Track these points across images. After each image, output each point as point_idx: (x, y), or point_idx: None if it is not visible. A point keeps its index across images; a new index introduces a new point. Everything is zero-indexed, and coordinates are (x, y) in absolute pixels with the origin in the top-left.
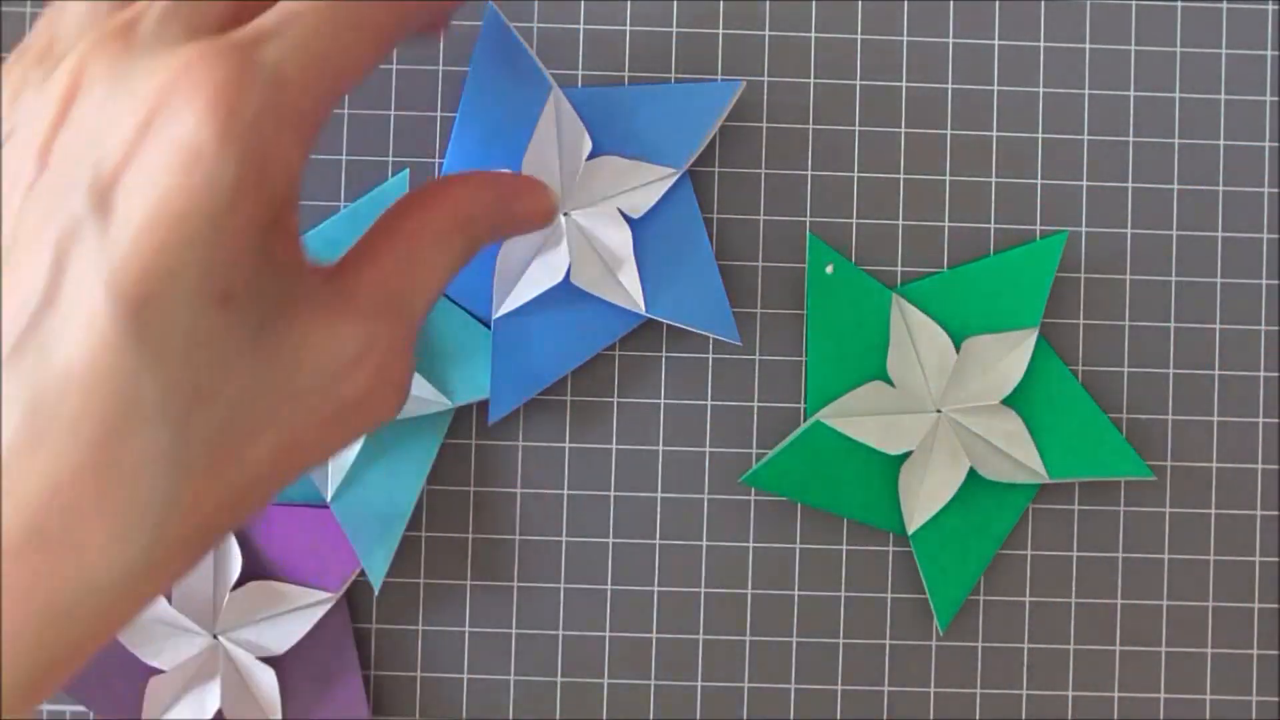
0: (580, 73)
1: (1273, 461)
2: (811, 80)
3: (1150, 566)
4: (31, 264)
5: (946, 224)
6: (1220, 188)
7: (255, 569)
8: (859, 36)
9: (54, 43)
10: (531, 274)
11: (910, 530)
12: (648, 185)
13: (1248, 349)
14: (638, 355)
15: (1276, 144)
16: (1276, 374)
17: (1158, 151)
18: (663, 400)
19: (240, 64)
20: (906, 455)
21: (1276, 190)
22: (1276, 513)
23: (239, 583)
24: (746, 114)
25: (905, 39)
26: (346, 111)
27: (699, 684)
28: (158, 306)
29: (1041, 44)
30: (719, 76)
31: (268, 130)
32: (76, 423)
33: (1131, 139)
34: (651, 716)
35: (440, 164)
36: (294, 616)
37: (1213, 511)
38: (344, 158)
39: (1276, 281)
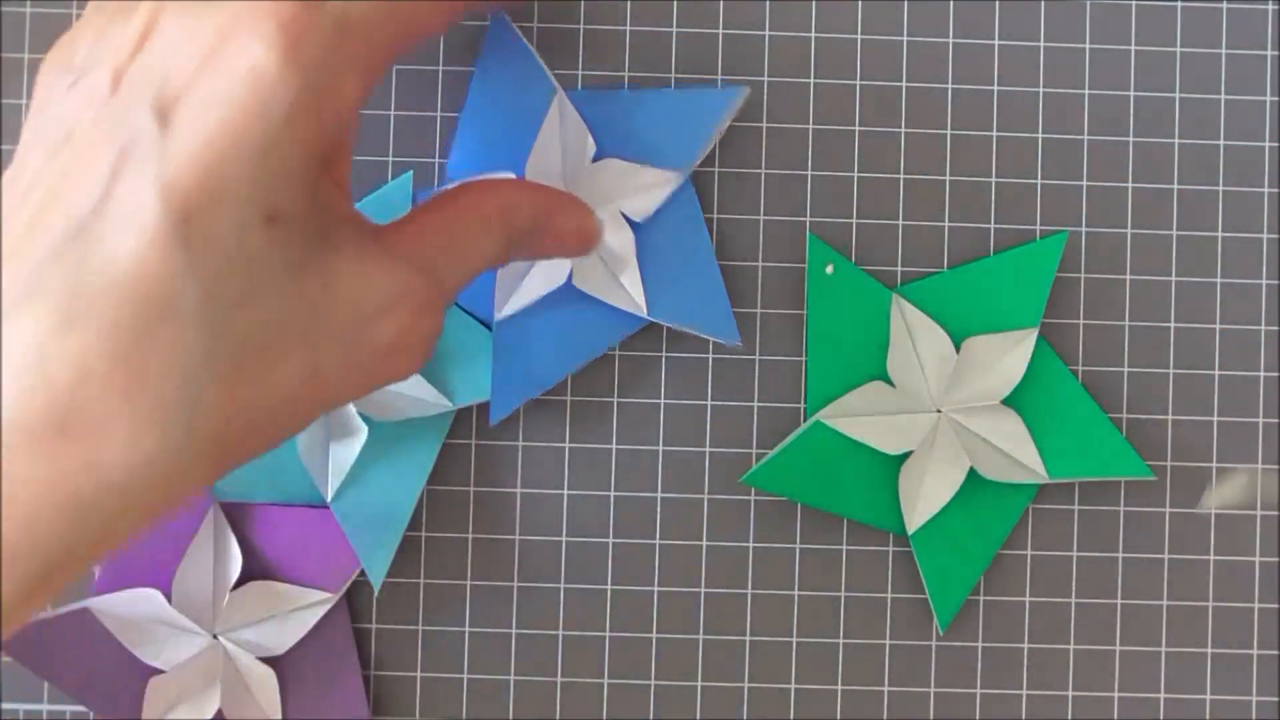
0: (580, 73)
1: (1273, 461)
2: (811, 80)
3: (1150, 566)
4: (91, 169)
5: (946, 224)
6: (1220, 188)
7: (255, 569)
8: (859, 36)
9: None
10: (534, 276)
11: (910, 530)
12: (651, 189)
13: (1248, 349)
14: (638, 355)
15: (1276, 144)
16: (1276, 374)
17: (1158, 151)
18: (663, 400)
19: (308, 3)
20: (906, 455)
21: (1276, 190)
22: (1276, 513)
23: (239, 583)
24: (746, 114)
25: (905, 39)
26: None
27: (699, 684)
28: (207, 215)
29: (1041, 44)
30: (719, 76)
31: (328, 67)
32: (114, 315)
33: (1131, 139)
34: (651, 716)
35: (441, 164)
36: (294, 617)
37: (1213, 511)
38: None
39: (1276, 281)
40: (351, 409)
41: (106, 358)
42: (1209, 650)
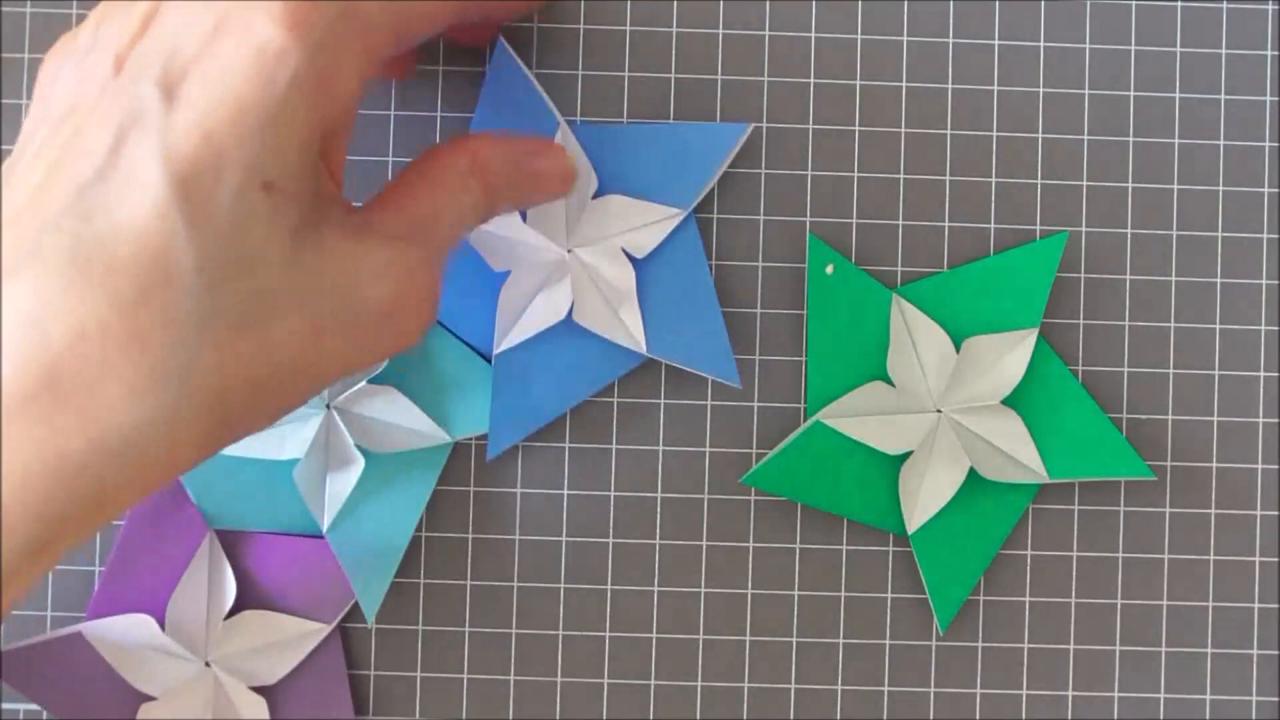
0: (581, 73)
1: (1273, 461)
2: (811, 80)
3: (1150, 566)
4: (95, 140)
5: (946, 224)
6: (1220, 188)
7: (250, 598)
8: (859, 36)
9: None
10: (534, 310)
11: (910, 530)
12: (652, 225)
13: (1248, 349)
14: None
15: (1276, 144)
16: (1276, 374)
17: (1158, 151)
18: (663, 400)
19: None
20: (906, 455)
21: (1276, 190)
22: (1276, 513)
23: (233, 611)
24: (747, 114)
25: (905, 39)
26: None
27: (699, 684)
28: (206, 181)
29: (1041, 44)
30: (719, 76)
31: (332, 46)
32: (112, 276)
33: (1131, 139)
34: (651, 716)
35: None
36: (287, 646)
37: (1213, 511)
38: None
39: (1276, 281)
40: (349, 439)
41: (104, 318)
42: (1209, 650)
